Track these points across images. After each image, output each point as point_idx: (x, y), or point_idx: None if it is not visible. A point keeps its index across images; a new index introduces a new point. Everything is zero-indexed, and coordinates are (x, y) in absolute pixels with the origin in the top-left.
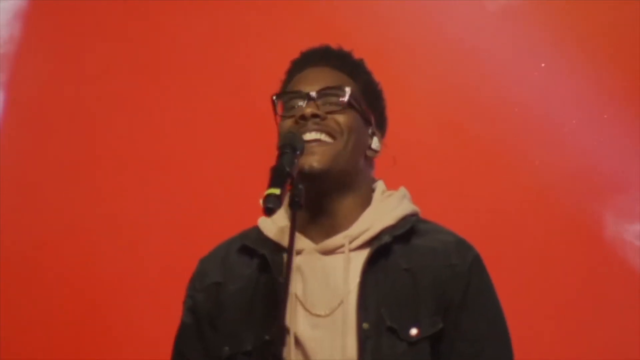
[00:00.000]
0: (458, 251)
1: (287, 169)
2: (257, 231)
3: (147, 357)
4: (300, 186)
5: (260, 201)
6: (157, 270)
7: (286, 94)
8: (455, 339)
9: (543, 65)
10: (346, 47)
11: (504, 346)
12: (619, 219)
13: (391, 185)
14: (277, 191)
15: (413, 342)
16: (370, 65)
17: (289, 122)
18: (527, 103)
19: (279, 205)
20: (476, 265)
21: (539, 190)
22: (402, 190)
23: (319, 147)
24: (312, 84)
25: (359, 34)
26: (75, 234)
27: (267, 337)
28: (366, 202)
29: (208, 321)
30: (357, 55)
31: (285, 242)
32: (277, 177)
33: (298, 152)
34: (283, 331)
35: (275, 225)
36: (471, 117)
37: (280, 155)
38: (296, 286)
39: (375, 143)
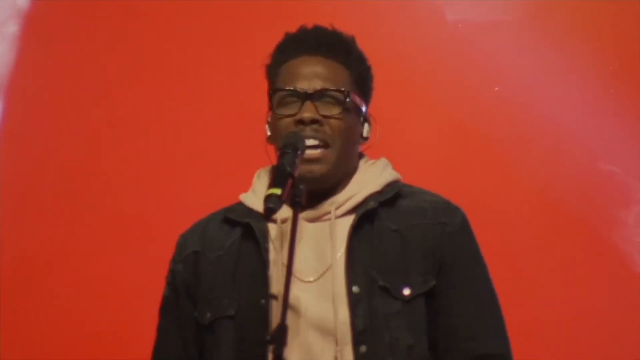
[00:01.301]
0: (446, 210)
1: (289, 169)
2: (240, 206)
3: (148, 357)
4: (302, 186)
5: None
6: (159, 270)
7: (283, 91)
8: (449, 296)
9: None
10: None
11: (496, 303)
12: (620, 219)
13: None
14: (278, 191)
15: (407, 301)
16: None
17: (287, 122)
18: (527, 103)
19: (279, 205)
20: (465, 224)
21: (539, 191)
22: (384, 159)
23: (317, 153)
24: (310, 80)
25: (359, 33)
26: (75, 234)
27: (262, 302)
28: (353, 173)
29: (186, 291)
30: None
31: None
32: (279, 177)
33: (299, 152)
34: (285, 331)
35: (258, 198)
36: (471, 118)
37: (282, 155)
38: (282, 254)
39: (366, 130)
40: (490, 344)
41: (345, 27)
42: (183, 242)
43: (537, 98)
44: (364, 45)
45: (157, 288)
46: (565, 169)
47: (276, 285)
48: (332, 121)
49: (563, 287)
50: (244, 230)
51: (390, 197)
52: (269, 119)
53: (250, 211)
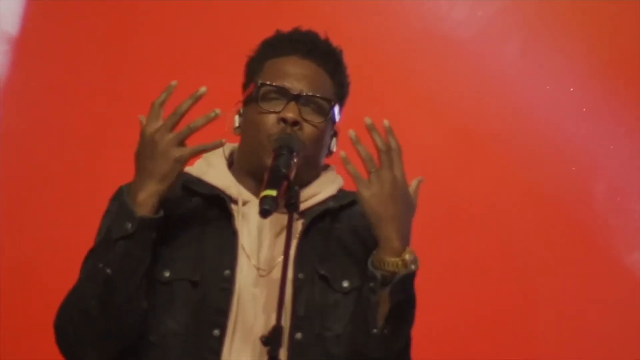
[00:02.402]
0: None
1: (284, 171)
2: (195, 178)
3: None
4: (297, 188)
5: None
6: None
7: (271, 86)
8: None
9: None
10: (342, 45)
11: None
12: (618, 220)
13: None
14: (273, 192)
15: (345, 293)
16: (370, 66)
17: (268, 119)
18: (526, 104)
19: (275, 207)
20: None
21: (537, 190)
22: (333, 167)
23: None
24: (299, 81)
25: (360, 35)
26: (75, 234)
27: (227, 272)
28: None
29: None
30: (359, 57)
31: (228, 189)
32: (274, 178)
33: (295, 153)
34: (280, 331)
35: (217, 173)
36: (471, 119)
37: (277, 157)
38: (242, 236)
39: (333, 144)
40: None
41: (344, 27)
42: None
43: (536, 98)
44: (366, 46)
45: None
46: (564, 169)
47: (240, 262)
48: (311, 128)
49: (562, 288)
50: (205, 201)
51: (348, 202)
52: (241, 111)
53: (210, 187)
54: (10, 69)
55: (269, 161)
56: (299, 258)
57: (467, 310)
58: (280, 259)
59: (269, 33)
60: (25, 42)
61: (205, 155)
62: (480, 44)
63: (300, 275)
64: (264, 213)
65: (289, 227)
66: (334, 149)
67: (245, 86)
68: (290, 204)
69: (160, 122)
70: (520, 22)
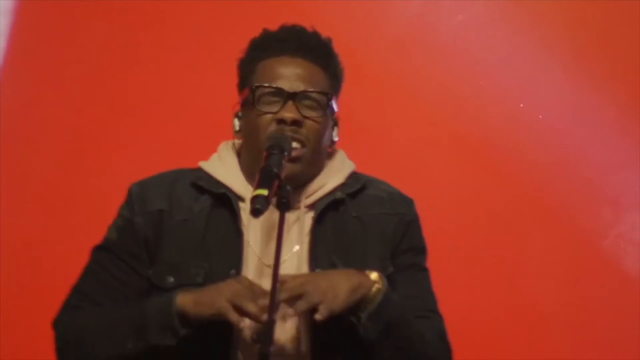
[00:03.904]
0: (403, 201)
1: (275, 170)
2: (206, 175)
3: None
4: (288, 187)
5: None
6: None
7: (266, 88)
8: (397, 279)
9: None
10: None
11: (431, 287)
12: (616, 222)
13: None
14: (264, 192)
15: None
16: (366, 66)
17: (267, 120)
18: (525, 104)
19: (266, 206)
20: (418, 216)
21: (536, 193)
22: (341, 151)
23: (295, 152)
24: (292, 80)
25: (353, 33)
26: (75, 234)
27: (233, 271)
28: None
29: (144, 245)
30: (355, 57)
31: (236, 187)
32: (265, 177)
33: (286, 153)
34: (272, 325)
35: (227, 171)
36: (467, 119)
37: (268, 156)
38: (249, 234)
39: (335, 134)
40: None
41: (338, 26)
42: (143, 194)
43: (535, 99)
44: (361, 45)
45: None
46: (562, 169)
47: (245, 266)
48: (311, 123)
49: (561, 289)
50: (214, 200)
51: (356, 189)
52: (240, 114)
53: (218, 183)
54: (5, 65)
55: None
56: (313, 253)
57: (467, 312)
58: (289, 255)
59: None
60: (20, 38)
61: (219, 151)
62: (478, 45)
63: (318, 271)
64: (255, 212)
65: (281, 226)
66: (336, 138)
67: (240, 88)
68: (282, 203)
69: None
70: (519, 23)
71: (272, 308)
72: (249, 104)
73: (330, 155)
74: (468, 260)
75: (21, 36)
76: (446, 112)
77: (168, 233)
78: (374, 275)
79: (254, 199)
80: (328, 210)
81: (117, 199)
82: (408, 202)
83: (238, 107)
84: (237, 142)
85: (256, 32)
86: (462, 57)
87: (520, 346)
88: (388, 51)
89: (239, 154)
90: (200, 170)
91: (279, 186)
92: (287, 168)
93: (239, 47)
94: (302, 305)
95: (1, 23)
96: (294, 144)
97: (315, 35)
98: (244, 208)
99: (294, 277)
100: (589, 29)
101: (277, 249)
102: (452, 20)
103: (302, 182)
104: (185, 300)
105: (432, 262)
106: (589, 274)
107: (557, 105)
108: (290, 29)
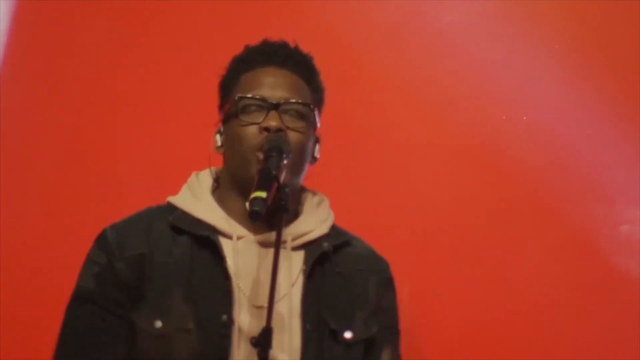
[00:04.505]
0: (380, 260)
1: (274, 172)
2: (182, 212)
3: None
4: (287, 189)
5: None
6: None
7: (249, 99)
8: (380, 341)
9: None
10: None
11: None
12: (616, 221)
13: (392, 186)
14: (263, 194)
15: (348, 345)
16: (361, 65)
17: (251, 130)
18: (524, 105)
19: (264, 208)
20: (392, 275)
21: (534, 193)
22: (327, 199)
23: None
24: (276, 90)
25: (350, 33)
26: (75, 234)
27: (224, 317)
28: (298, 204)
29: (126, 290)
30: (352, 56)
31: (219, 225)
32: (263, 180)
33: (284, 156)
34: (270, 333)
35: (204, 206)
36: (464, 118)
37: (267, 159)
38: (239, 275)
39: (317, 150)
40: None
41: (334, 25)
42: (120, 239)
43: (533, 100)
44: (358, 45)
45: None
46: (561, 169)
47: (235, 306)
48: (294, 133)
49: (560, 291)
50: (194, 241)
51: (341, 242)
52: (221, 129)
53: (197, 222)
54: (5, 65)
55: (255, 172)
56: (305, 305)
57: (466, 313)
58: (283, 294)
59: (269, 33)
60: (20, 38)
61: (189, 183)
62: (477, 46)
63: (308, 327)
64: (254, 215)
65: (279, 228)
66: (318, 155)
67: (221, 105)
68: (281, 205)
69: None
70: (518, 23)
71: (270, 315)
72: (232, 116)
73: (314, 198)
74: (466, 260)
75: (21, 36)
76: (442, 111)
77: (151, 276)
78: None
79: (253, 200)
80: (315, 263)
81: (117, 199)
82: (384, 261)
83: (220, 125)
84: (210, 170)
85: (256, 32)
86: (461, 57)
87: (519, 346)
88: (386, 51)
89: (216, 180)
90: (174, 208)
91: (278, 188)
92: None
93: (239, 47)
94: None
95: (1, 23)
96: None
97: (298, 50)
98: (229, 245)
99: None
100: (588, 26)
101: (275, 252)
102: (450, 18)
103: (281, 187)
104: None
105: (431, 263)
106: (589, 274)
107: (557, 104)
108: (275, 43)
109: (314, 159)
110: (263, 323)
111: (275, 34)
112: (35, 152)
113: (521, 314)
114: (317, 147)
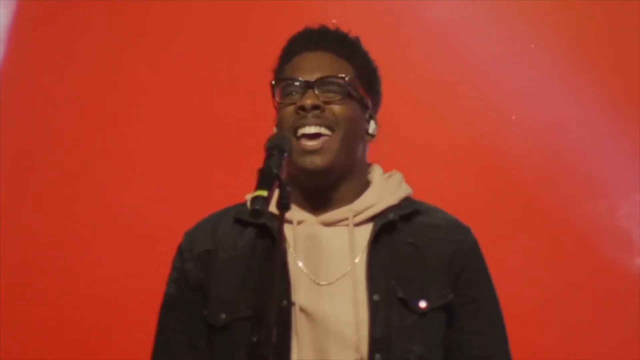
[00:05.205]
0: (460, 229)
1: (275, 171)
2: (246, 205)
3: (147, 357)
4: (288, 188)
5: (248, 197)
6: (159, 270)
7: (284, 80)
8: (462, 313)
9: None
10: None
11: (502, 323)
12: (615, 220)
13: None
14: (264, 193)
15: (422, 314)
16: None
17: (289, 110)
18: (523, 105)
19: (266, 207)
20: (477, 244)
21: (533, 192)
22: (399, 173)
23: (316, 144)
24: (311, 71)
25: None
26: (75, 234)
27: (285, 303)
28: (364, 182)
29: (198, 289)
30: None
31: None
32: (265, 178)
33: (286, 154)
34: (272, 329)
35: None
36: (465, 119)
37: (268, 157)
38: (298, 255)
39: (372, 127)
40: None
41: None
42: (190, 240)
43: (532, 101)
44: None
45: (157, 289)
46: (560, 168)
47: (295, 288)
48: (334, 107)
49: (559, 291)
50: (258, 231)
51: (410, 212)
52: (277, 119)
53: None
54: (5, 64)
55: (296, 154)
56: (371, 277)
57: None
58: (342, 274)
59: (267, 35)
60: (20, 38)
61: None
62: (476, 46)
63: (376, 297)
64: (255, 213)
65: (280, 227)
66: (374, 132)
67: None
68: (282, 204)
69: None
70: (517, 24)
71: (274, 313)
72: (275, 103)
73: (384, 174)
74: None
75: (21, 36)
76: (442, 110)
77: (216, 271)
78: None
79: (254, 199)
80: (382, 233)
81: (117, 199)
82: (464, 230)
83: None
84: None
85: (256, 33)
86: (461, 57)
87: (519, 346)
88: (386, 50)
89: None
90: (239, 204)
91: (279, 187)
92: (312, 161)
93: (239, 47)
94: None
95: (1, 22)
96: (322, 130)
97: (338, 31)
98: (290, 230)
99: None
100: (589, 26)
101: (277, 250)
102: (449, 18)
103: (331, 178)
104: None
105: None
106: (589, 274)
107: (557, 104)
108: (312, 28)
109: (371, 135)
110: (326, 300)
111: (275, 34)
112: (36, 151)
113: (521, 313)
114: (372, 124)
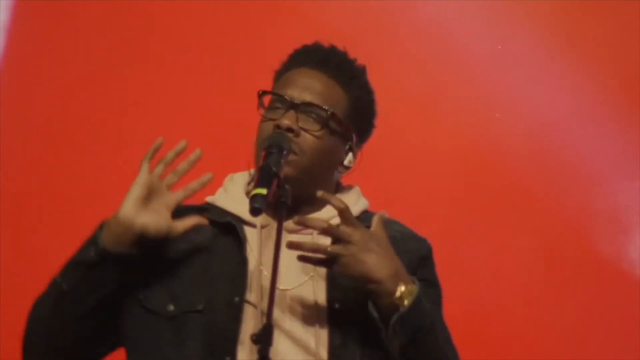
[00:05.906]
0: (416, 239)
1: (274, 169)
2: (212, 207)
3: None
4: (287, 186)
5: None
6: None
7: (270, 94)
8: None
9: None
10: (348, 49)
11: (446, 326)
12: (615, 220)
13: (387, 187)
14: (263, 191)
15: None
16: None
17: (266, 126)
18: (522, 105)
19: (265, 205)
20: (431, 253)
21: (534, 192)
22: (357, 187)
23: (291, 157)
24: (301, 90)
25: (350, 34)
26: (75, 234)
27: (236, 299)
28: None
29: (144, 277)
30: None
31: (243, 214)
32: (264, 177)
33: (285, 152)
34: (270, 330)
35: (233, 200)
36: (465, 122)
37: (267, 155)
38: (260, 259)
39: (348, 159)
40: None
41: (336, 27)
42: None
43: (532, 101)
44: (357, 46)
45: None
46: (560, 168)
47: (252, 288)
48: (308, 136)
49: (561, 290)
50: (219, 230)
51: (367, 225)
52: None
53: (225, 213)
54: (5, 64)
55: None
56: (331, 283)
57: (466, 312)
58: (305, 278)
59: (266, 35)
60: (20, 37)
61: (224, 184)
62: (476, 46)
63: (336, 305)
64: (254, 211)
65: (280, 226)
66: (349, 165)
67: None
68: (281, 202)
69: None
70: (517, 24)
71: (271, 312)
72: (260, 112)
73: (343, 188)
74: (465, 261)
75: (21, 35)
76: (441, 112)
77: (171, 261)
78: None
79: (253, 197)
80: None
81: (117, 199)
82: (421, 240)
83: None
84: (247, 172)
85: (256, 33)
86: (461, 57)
87: (519, 346)
88: (386, 51)
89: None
90: (205, 204)
91: (278, 185)
92: (287, 167)
93: (239, 47)
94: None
95: (1, 21)
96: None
97: (344, 55)
98: (253, 233)
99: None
100: (589, 26)
101: (275, 251)
102: (448, 17)
103: (301, 187)
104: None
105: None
106: (588, 273)
107: (557, 103)
108: (322, 45)
109: (345, 167)
110: (286, 306)
111: (274, 34)
112: (36, 151)
113: (519, 311)
114: (350, 156)
